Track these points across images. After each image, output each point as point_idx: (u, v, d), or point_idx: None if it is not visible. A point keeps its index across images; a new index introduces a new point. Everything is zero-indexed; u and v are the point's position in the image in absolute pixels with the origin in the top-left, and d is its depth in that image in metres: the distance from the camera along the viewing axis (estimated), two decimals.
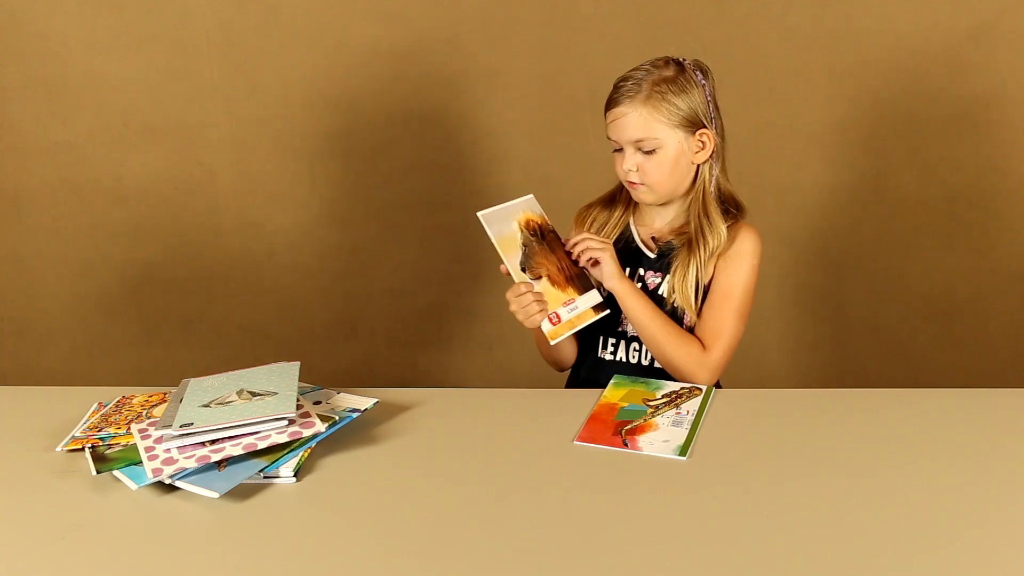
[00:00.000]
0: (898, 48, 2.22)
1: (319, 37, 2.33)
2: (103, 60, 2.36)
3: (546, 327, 1.39)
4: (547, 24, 2.28)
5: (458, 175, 2.42)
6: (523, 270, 1.40)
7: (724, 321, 1.46)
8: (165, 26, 2.33)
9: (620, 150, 1.47)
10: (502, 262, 1.40)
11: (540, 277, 1.41)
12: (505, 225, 1.42)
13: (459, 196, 2.42)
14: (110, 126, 2.41)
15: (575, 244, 1.45)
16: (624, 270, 1.51)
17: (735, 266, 1.47)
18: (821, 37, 2.23)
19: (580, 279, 1.45)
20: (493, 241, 1.40)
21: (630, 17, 2.25)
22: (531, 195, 1.47)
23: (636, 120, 1.43)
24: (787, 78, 2.26)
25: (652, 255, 1.52)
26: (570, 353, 1.59)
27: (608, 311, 1.44)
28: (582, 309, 1.42)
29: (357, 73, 2.35)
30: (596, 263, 1.44)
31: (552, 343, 1.41)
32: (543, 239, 1.45)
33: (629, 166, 1.45)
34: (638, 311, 1.44)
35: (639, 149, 1.44)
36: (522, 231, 1.43)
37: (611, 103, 1.46)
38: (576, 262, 1.45)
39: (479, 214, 1.40)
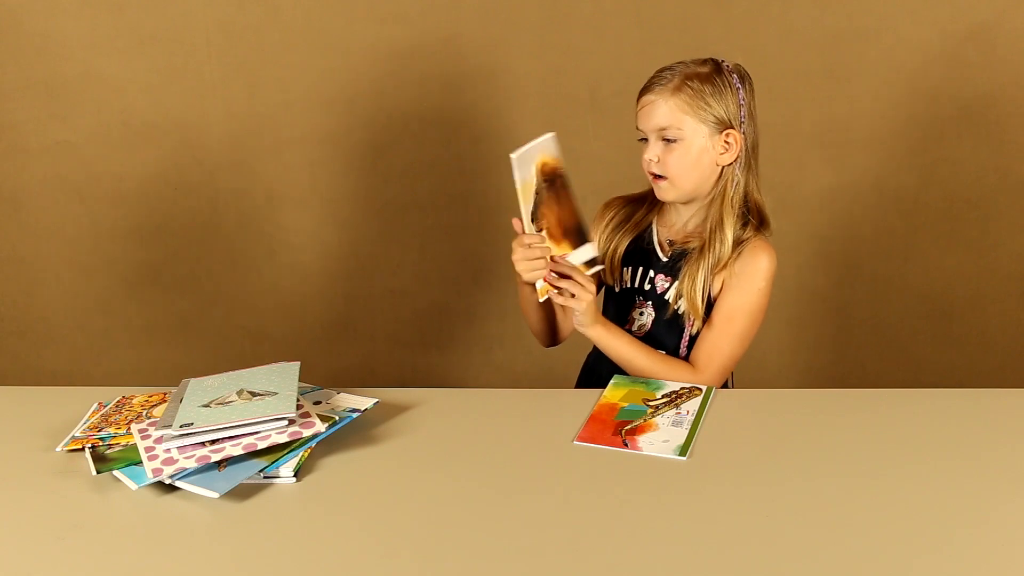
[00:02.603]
0: (898, 48, 2.22)
1: (319, 37, 2.33)
2: (103, 60, 2.36)
3: (539, 283, 1.38)
4: (547, 24, 2.28)
5: (458, 175, 2.42)
6: (533, 220, 1.36)
7: (720, 346, 1.44)
8: (165, 26, 2.33)
9: (645, 140, 1.46)
10: (519, 212, 1.35)
11: (541, 230, 1.37)
12: (527, 170, 1.35)
13: (459, 196, 2.42)
14: (110, 126, 2.41)
15: (562, 268, 1.38)
16: (637, 270, 1.51)
17: (743, 287, 1.44)
18: (821, 37, 2.23)
19: (576, 233, 1.40)
20: (517, 187, 1.34)
21: (630, 17, 2.25)
22: (552, 133, 1.39)
23: (662, 108, 1.42)
24: (787, 78, 2.26)
25: (664, 258, 1.51)
26: (553, 324, 1.58)
27: (601, 267, 1.43)
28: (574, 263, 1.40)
29: (357, 73, 2.35)
30: (573, 296, 1.39)
31: (541, 300, 1.40)
32: (552, 186, 1.38)
33: (651, 155, 1.43)
34: (619, 352, 1.44)
35: (662, 138, 1.43)
36: (537, 177, 1.36)
37: (642, 91, 1.46)
38: (576, 214, 1.39)
39: (512, 155, 1.32)
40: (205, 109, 2.39)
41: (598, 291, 1.43)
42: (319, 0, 2.31)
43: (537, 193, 1.35)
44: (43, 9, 2.33)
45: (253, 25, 2.33)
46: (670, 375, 1.42)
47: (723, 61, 1.46)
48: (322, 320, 2.55)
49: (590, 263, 1.40)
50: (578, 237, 1.39)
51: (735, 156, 1.45)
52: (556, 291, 1.38)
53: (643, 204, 1.57)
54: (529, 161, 1.34)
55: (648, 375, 1.43)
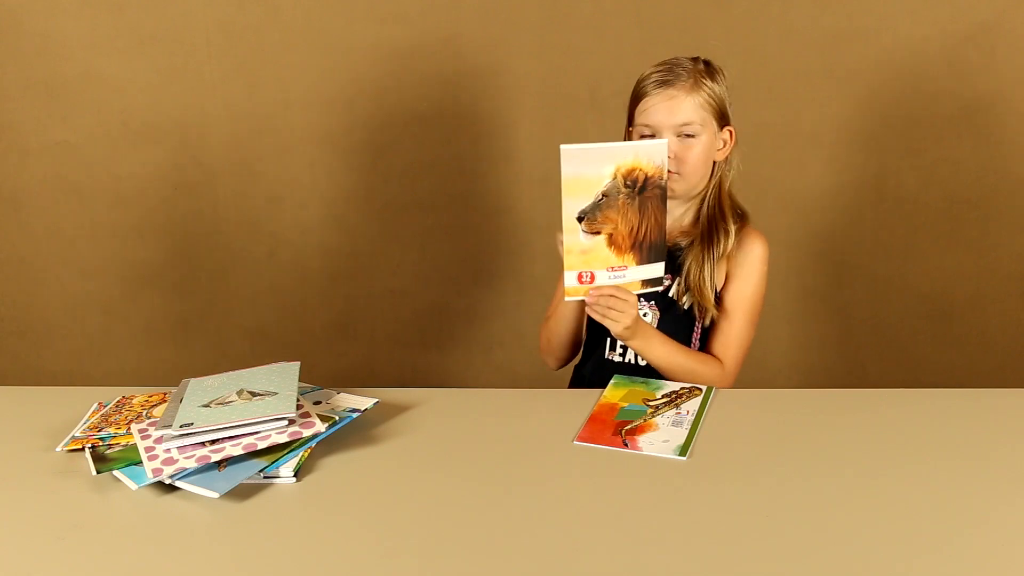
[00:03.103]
0: (898, 48, 2.22)
1: (319, 37, 2.33)
2: (103, 60, 2.36)
3: (570, 280, 1.33)
4: (547, 24, 2.28)
5: (458, 175, 2.42)
6: (580, 219, 1.30)
7: (737, 333, 1.48)
8: (165, 26, 2.33)
9: (649, 136, 1.45)
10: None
11: (599, 233, 1.31)
12: (590, 167, 1.27)
13: (459, 196, 2.42)
14: (110, 126, 2.41)
15: (598, 295, 1.35)
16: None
17: (746, 275, 1.48)
18: (821, 37, 2.23)
19: (651, 250, 1.35)
20: (561, 180, 1.28)
21: (630, 17, 2.25)
22: (666, 140, 1.35)
23: (685, 103, 1.43)
24: (787, 78, 2.26)
25: None
26: (569, 342, 1.57)
27: (660, 288, 1.38)
28: (629, 279, 1.35)
29: (357, 73, 2.35)
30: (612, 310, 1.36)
31: (566, 299, 1.38)
32: (638, 193, 1.31)
33: (668, 153, 1.43)
34: (657, 357, 1.44)
35: (680, 134, 1.43)
36: (616, 178, 1.29)
37: (650, 88, 1.44)
38: (661, 231, 1.34)
39: (562, 147, 1.26)
40: (205, 109, 2.39)
41: (655, 281, 1.38)
42: (319, 0, 2.31)
43: (606, 195, 1.29)
44: (43, 9, 2.33)
45: (253, 25, 2.33)
46: (704, 374, 1.44)
47: (708, 59, 1.49)
48: (322, 320, 2.55)
49: (652, 282, 1.37)
50: (652, 254, 1.35)
51: (729, 151, 1.49)
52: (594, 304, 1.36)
53: None
54: (592, 160, 1.28)
55: (682, 377, 1.42)
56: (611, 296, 1.34)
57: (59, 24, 2.34)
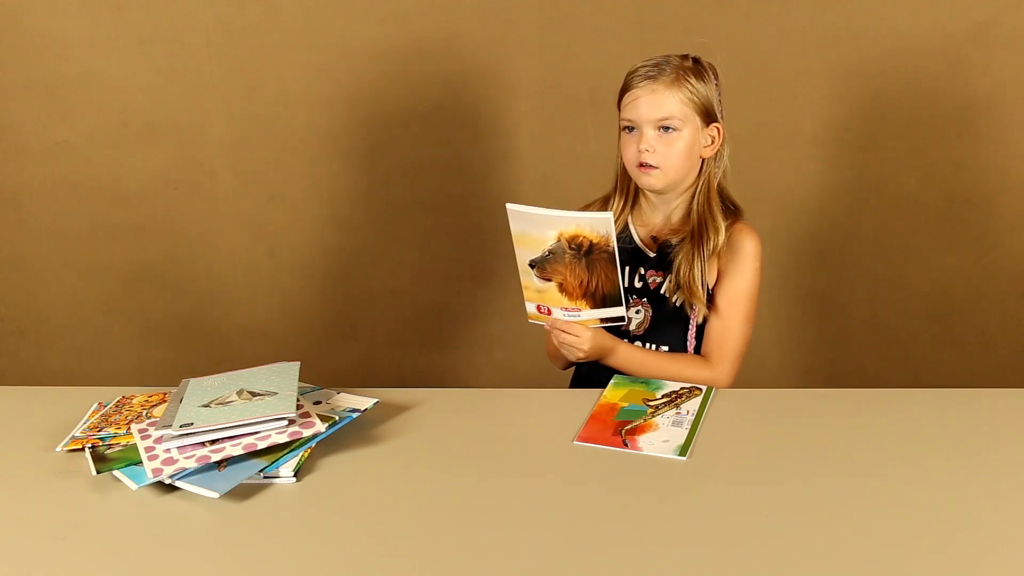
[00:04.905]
0: (898, 48, 2.22)
1: (319, 37, 2.33)
2: (103, 60, 2.36)
3: (530, 308, 1.40)
4: (547, 24, 2.28)
5: (458, 175, 2.42)
6: (532, 266, 1.34)
7: (732, 332, 1.47)
8: (165, 26, 2.33)
9: (632, 131, 1.47)
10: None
11: (550, 280, 1.35)
12: (534, 228, 1.31)
13: (459, 196, 2.42)
14: (110, 126, 2.41)
15: (552, 328, 1.41)
16: (624, 269, 1.51)
17: (739, 272, 1.47)
18: (821, 37, 2.23)
19: (605, 299, 1.35)
20: (512, 235, 1.33)
21: (630, 17, 2.25)
22: (610, 214, 1.32)
23: (665, 98, 1.43)
24: (787, 78, 2.26)
25: (652, 254, 1.52)
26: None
27: (622, 323, 1.39)
28: (585, 318, 1.38)
29: (357, 73, 2.35)
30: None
31: (530, 321, 1.42)
32: (584, 256, 1.32)
33: (646, 146, 1.44)
34: (632, 372, 1.45)
35: (660, 128, 1.44)
36: (560, 241, 1.31)
37: (634, 82, 1.46)
38: (613, 285, 1.35)
39: (507, 206, 1.29)
40: (205, 109, 2.39)
41: (615, 319, 1.40)
42: (319, 0, 2.31)
43: (552, 252, 1.32)
44: (43, 9, 2.33)
45: (253, 25, 2.33)
46: (687, 374, 1.43)
47: (698, 57, 1.50)
48: (322, 320, 2.54)
49: (611, 319, 1.39)
50: (606, 302, 1.36)
51: (717, 148, 1.49)
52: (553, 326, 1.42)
53: (613, 204, 1.57)
54: (537, 224, 1.31)
55: (670, 380, 1.43)
56: (562, 332, 1.40)
57: (59, 24, 2.34)
